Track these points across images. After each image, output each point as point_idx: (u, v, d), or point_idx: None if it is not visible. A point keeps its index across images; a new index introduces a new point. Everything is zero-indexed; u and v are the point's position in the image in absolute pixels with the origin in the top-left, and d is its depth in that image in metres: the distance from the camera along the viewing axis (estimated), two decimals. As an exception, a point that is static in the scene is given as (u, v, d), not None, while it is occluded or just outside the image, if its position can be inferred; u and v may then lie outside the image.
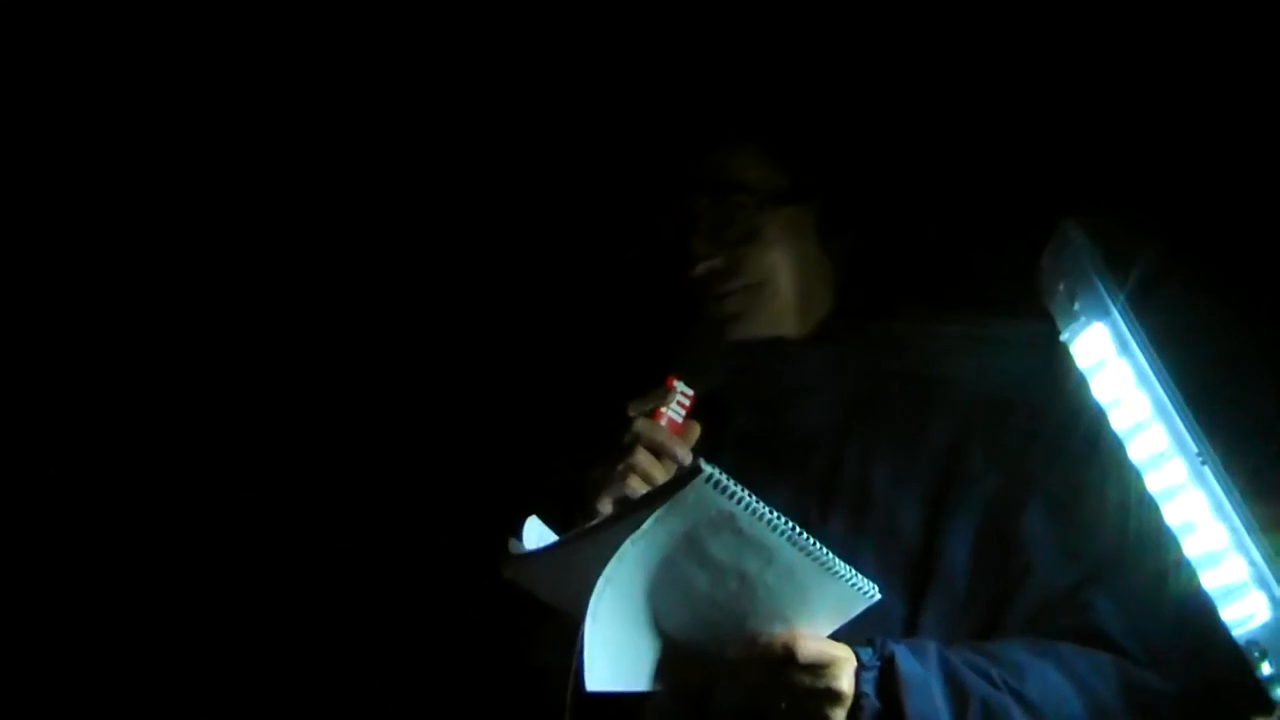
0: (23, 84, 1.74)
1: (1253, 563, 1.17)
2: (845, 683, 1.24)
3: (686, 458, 1.34)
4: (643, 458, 1.34)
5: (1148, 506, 1.25)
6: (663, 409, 1.36)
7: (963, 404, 1.43)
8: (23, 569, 1.79)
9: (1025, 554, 1.37)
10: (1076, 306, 1.29)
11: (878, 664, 1.27)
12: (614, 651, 1.22)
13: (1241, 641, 1.19)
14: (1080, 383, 1.30)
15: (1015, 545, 1.38)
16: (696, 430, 1.38)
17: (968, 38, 1.57)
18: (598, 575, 1.18)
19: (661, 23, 1.68)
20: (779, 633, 1.23)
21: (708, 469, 1.14)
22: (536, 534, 1.29)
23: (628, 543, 1.17)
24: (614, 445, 1.35)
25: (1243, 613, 1.18)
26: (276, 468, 1.84)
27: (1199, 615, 1.23)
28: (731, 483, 1.15)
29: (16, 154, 1.76)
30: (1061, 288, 1.31)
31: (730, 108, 1.53)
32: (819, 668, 1.24)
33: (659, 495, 1.17)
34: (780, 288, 1.47)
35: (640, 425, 1.35)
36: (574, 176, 1.72)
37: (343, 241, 1.84)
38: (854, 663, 1.26)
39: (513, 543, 1.28)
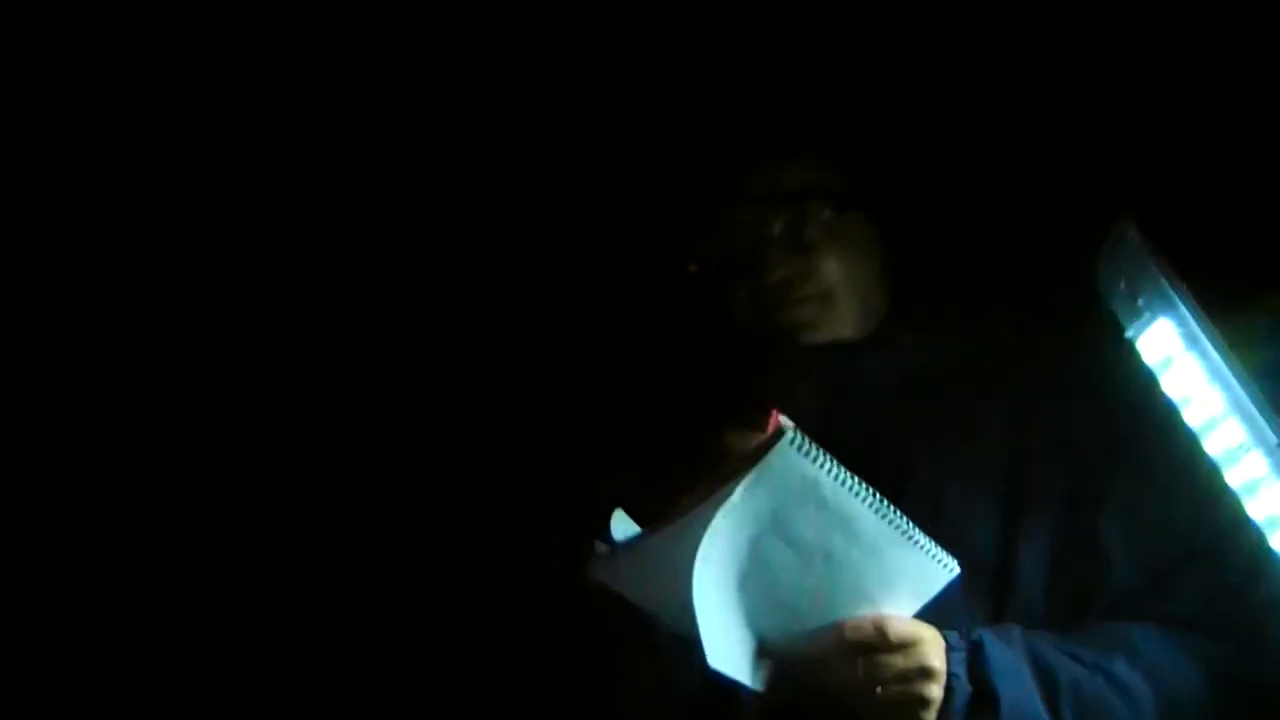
0: (22, 84, 1.72)
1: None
2: (937, 660, 1.22)
3: None
4: None
5: (1226, 496, 1.25)
6: None
7: (1026, 403, 1.41)
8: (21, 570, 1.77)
9: (1103, 551, 1.35)
10: (1140, 303, 1.28)
11: (965, 646, 1.25)
12: (725, 632, 1.21)
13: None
14: (1149, 379, 1.30)
15: (1093, 544, 1.36)
16: None
17: (1018, 39, 1.55)
18: (692, 559, 1.16)
19: (721, 30, 1.66)
20: (866, 615, 1.22)
21: (791, 431, 1.14)
22: (623, 530, 1.27)
23: (719, 515, 1.16)
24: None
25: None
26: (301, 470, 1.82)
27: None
28: (814, 446, 1.15)
29: (16, 154, 1.74)
30: (1123, 285, 1.30)
31: (791, 114, 1.52)
32: (910, 647, 1.22)
33: (745, 463, 1.16)
34: (848, 294, 1.45)
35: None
36: (632, 186, 1.69)
37: (374, 247, 1.82)
38: (942, 642, 1.24)
39: (598, 544, 1.27)
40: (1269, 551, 1.22)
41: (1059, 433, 1.39)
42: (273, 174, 1.79)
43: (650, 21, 1.67)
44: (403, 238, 1.81)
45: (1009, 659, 1.26)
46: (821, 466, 1.16)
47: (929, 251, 1.53)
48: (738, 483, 1.16)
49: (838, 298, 1.44)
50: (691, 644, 1.20)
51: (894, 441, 1.42)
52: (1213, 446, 1.25)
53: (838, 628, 1.22)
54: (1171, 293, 1.25)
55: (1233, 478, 1.24)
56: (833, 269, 1.44)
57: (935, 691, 1.23)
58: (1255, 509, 1.22)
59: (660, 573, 1.20)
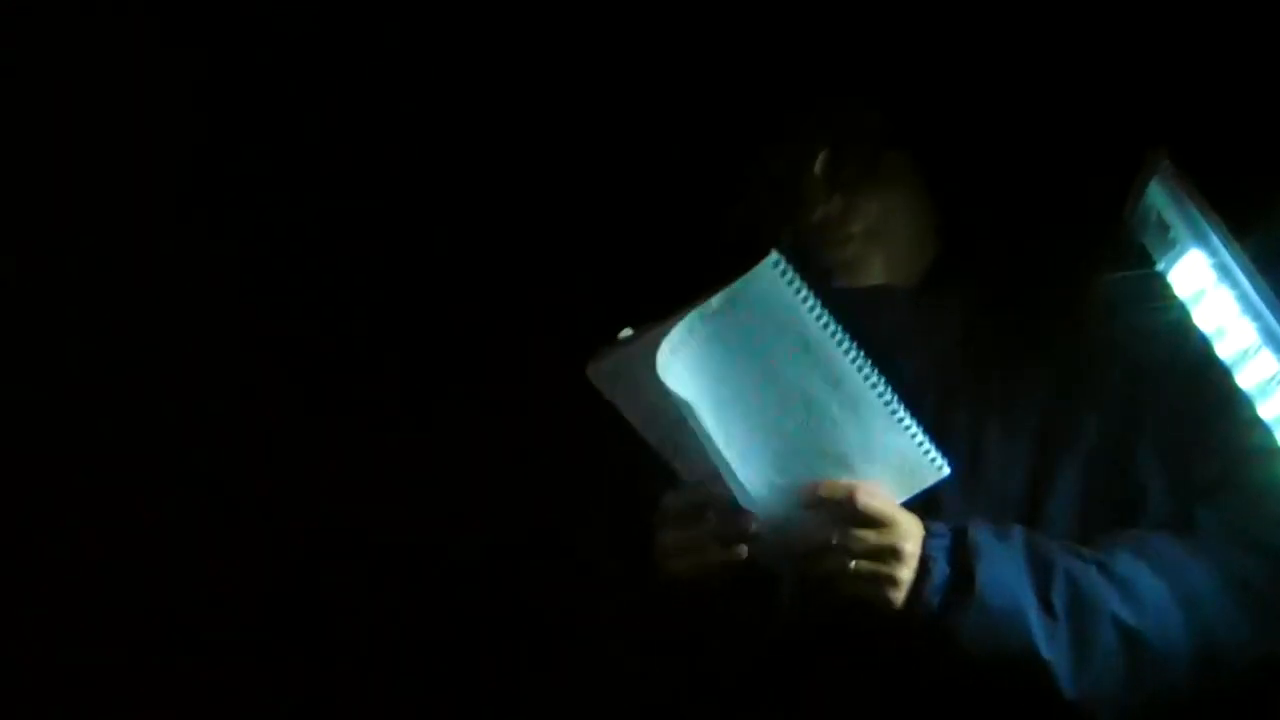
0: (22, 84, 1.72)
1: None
2: (910, 544, 1.22)
3: None
4: None
5: (1260, 426, 1.24)
6: None
7: (1066, 346, 1.40)
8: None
9: (1139, 489, 1.35)
10: (1172, 235, 1.27)
11: (948, 533, 1.25)
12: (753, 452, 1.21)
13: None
14: (1181, 312, 1.29)
15: (1128, 482, 1.36)
16: None
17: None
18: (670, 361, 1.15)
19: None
20: (842, 480, 1.22)
21: (776, 255, 1.15)
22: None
23: (697, 319, 1.15)
24: None
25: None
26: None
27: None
28: (798, 278, 1.16)
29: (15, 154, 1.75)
30: (1155, 217, 1.28)
31: (833, 55, 1.49)
32: (881, 524, 1.22)
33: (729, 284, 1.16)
34: (894, 233, 1.44)
35: None
36: (672, 128, 1.68)
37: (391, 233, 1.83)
38: (921, 528, 1.24)
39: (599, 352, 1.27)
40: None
41: (1097, 373, 1.39)
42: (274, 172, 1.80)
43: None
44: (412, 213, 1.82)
45: (995, 545, 1.25)
46: (804, 301, 1.16)
47: (973, 202, 1.51)
48: (719, 294, 1.16)
49: (878, 239, 1.43)
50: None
51: (937, 384, 1.42)
52: (1245, 379, 1.24)
53: (814, 484, 1.22)
54: (1203, 223, 1.23)
55: (1266, 410, 1.23)
56: (873, 209, 1.43)
57: (903, 573, 1.22)
58: (1287, 439, 1.21)
59: (646, 381, 1.17)
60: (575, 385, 1.27)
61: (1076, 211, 1.49)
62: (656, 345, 1.15)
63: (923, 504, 1.32)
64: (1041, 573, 1.26)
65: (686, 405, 1.17)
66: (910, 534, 1.23)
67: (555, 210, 1.78)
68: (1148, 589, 1.28)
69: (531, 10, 1.70)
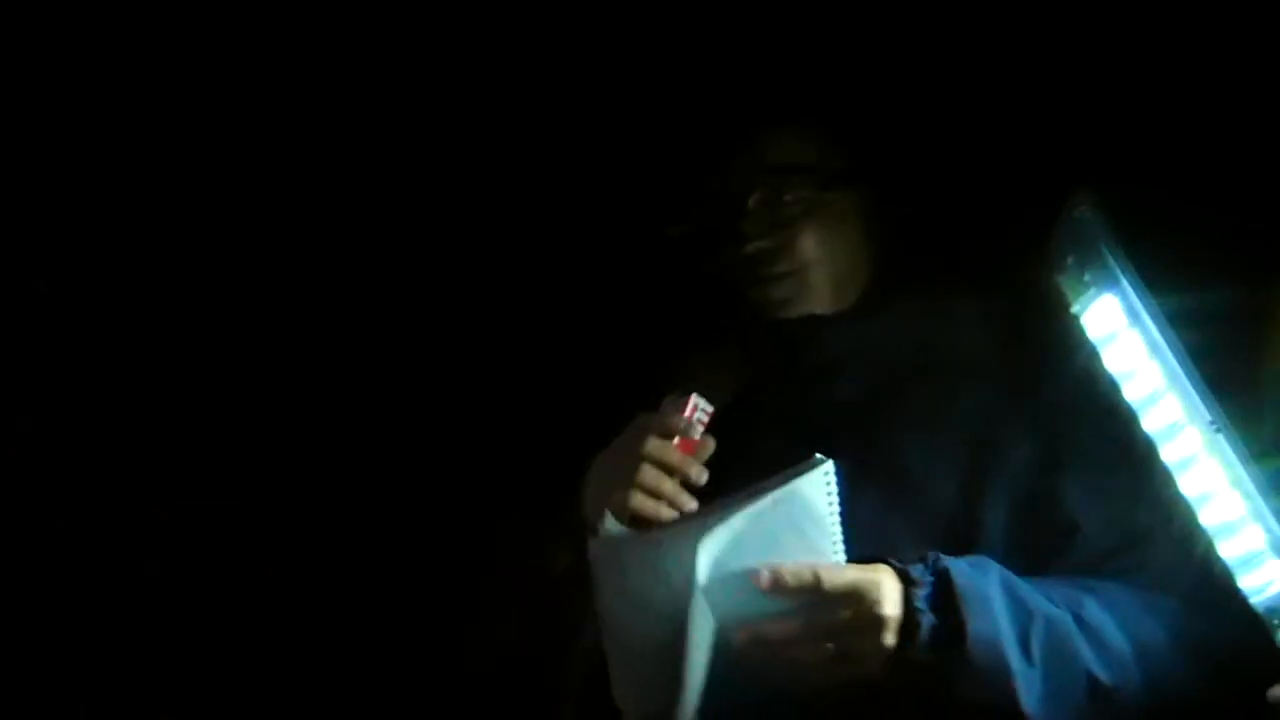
0: (21, 84, 1.74)
1: (1269, 530, 1.17)
2: (888, 607, 1.21)
3: (700, 477, 1.34)
4: (649, 475, 1.33)
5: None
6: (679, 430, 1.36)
7: (994, 373, 1.42)
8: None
9: (1069, 516, 1.36)
10: (1087, 278, 1.29)
11: (931, 579, 1.24)
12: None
13: (1260, 609, 1.19)
14: (1093, 355, 1.31)
15: (1056, 508, 1.37)
16: (710, 447, 1.37)
17: (994, 27, 1.56)
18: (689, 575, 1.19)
19: (718, 3, 1.67)
20: (801, 569, 1.22)
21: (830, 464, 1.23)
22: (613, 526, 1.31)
23: (741, 519, 1.21)
24: (621, 464, 1.35)
25: (1260, 581, 1.18)
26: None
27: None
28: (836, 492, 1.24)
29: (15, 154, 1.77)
30: (1071, 260, 1.31)
31: (785, 88, 1.52)
32: (854, 597, 1.22)
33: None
34: (828, 267, 1.47)
35: (650, 448, 1.35)
36: (621, 154, 1.71)
37: (345, 237, 1.84)
38: (894, 584, 1.23)
39: (608, 519, 1.29)
40: (1199, 527, 1.23)
41: (1027, 401, 1.40)
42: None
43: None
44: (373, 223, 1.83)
45: (978, 588, 1.25)
46: (830, 509, 1.25)
47: (911, 233, 1.54)
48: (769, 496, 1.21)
49: (812, 276, 1.46)
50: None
51: (860, 409, 1.43)
52: (1152, 423, 1.26)
53: (775, 572, 1.22)
54: (1116, 269, 1.26)
55: (1169, 454, 1.25)
56: (809, 247, 1.45)
57: (889, 639, 1.22)
58: (1187, 485, 1.23)
59: (665, 570, 1.22)
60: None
61: (1008, 248, 1.52)
62: (695, 538, 1.20)
63: (850, 522, 1.33)
64: (1022, 616, 1.26)
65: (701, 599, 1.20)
66: (884, 596, 1.22)
67: (491, 236, 1.80)
68: (1114, 641, 1.29)
69: (476, 34, 1.73)
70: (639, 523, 1.31)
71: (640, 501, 1.32)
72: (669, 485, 1.33)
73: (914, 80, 1.61)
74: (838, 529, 1.25)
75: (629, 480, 1.33)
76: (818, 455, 1.26)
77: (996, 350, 1.44)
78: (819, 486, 1.24)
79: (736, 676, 1.24)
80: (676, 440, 1.35)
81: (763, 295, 1.45)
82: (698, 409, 1.36)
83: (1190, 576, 1.29)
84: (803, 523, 1.24)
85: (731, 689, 1.24)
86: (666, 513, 1.32)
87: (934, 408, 1.42)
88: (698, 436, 1.36)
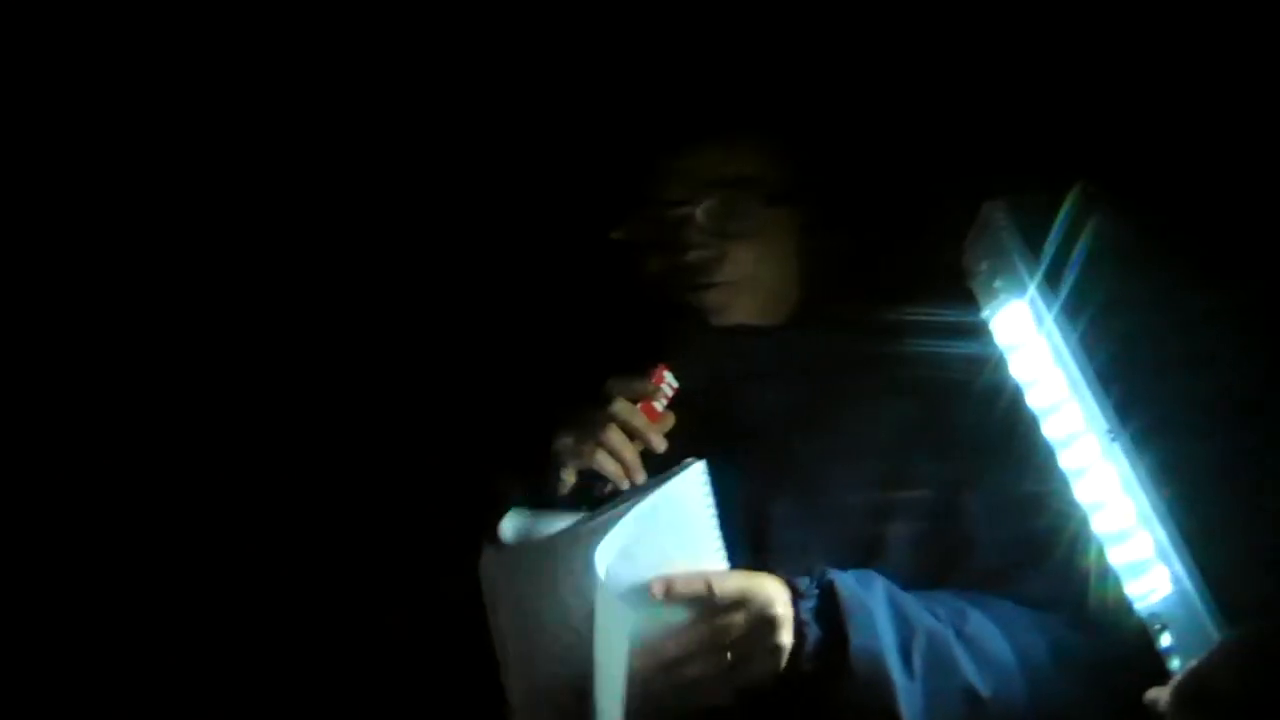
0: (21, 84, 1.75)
1: (1156, 538, 1.18)
2: (780, 608, 1.24)
3: (660, 445, 1.37)
4: (615, 436, 1.36)
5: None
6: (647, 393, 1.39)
7: (911, 393, 1.44)
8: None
9: (967, 533, 1.39)
10: (997, 285, 1.31)
11: (816, 591, 1.27)
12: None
13: (1144, 615, 1.20)
14: (1001, 361, 1.33)
15: (957, 524, 1.40)
16: (671, 421, 1.40)
17: (931, 48, 1.59)
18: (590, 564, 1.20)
19: (672, 13, 1.69)
20: (691, 578, 1.24)
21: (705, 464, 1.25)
22: (516, 524, 1.32)
23: (631, 521, 1.22)
24: (588, 419, 1.38)
25: (1146, 587, 1.20)
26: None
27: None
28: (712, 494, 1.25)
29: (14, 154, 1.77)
30: (984, 267, 1.33)
31: (735, 101, 1.55)
32: (744, 601, 1.24)
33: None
34: (764, 279, 1.49)
35: (618, 407, 1.37)
36: (571, 159, 1.72)
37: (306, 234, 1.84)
38: (783, 590, 1.26)
39: (505, 522, 1.31)
40: (1091, 535, 1.24)
41: (945, 419, 1.43)
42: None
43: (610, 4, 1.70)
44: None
45: (861, 601, 1.28)
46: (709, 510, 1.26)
47: (848, 250, 1.55)
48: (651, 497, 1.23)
49: (748, 287, 1.48)
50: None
51: (780, 423, 1.45)
52: (1053, 430, 1.28)
53: (665, 580, 1.24)
54: (1025, 276, 1.27)
55: (1067, 460, 1.26)
56: (748, 260, 1.47)
57: (785, 638, 1.25)
58: (1082, 492, 1.24)
59: (562, 574, 1.23)
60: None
61: (933, 264, 1.53)
62: (589, 542, 1.21)
63: (757, 529, 1.35)
64: (904, 629, 1.29)
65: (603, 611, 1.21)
66: (776, 600, 1.25)
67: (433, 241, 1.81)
68: (996, 654, 1.32)
69: (423, 39, 1.74)
70: (585, 486, 1.33)
71: (602, 460, 1.33)
72: (630, 454, 1.35)
73: (861, 100, 1.63)
74: (716, 530, 1.27)
75: (591, 436, 1.34)
76: (690, 458, 1.28)
77: (914, 371, 1.45)
78: (694, 488, 1.26)
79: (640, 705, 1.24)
80: (640, 405, 1.37)
81: (698, 301, 1.47)
82: (665, 380, 1.38)
83: (1078, 594, 1.32)
84: (683, 526, 1.26)
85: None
86: (623, 480, 1.34)
87: (852, 424, 1.45)
88: (661, 408, 1.38)
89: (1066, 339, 1.24)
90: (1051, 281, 1.27)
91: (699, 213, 1.47)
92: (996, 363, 1.34)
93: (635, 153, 1.53)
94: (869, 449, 1.43)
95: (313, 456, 1.84)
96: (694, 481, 1.27)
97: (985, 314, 1.33)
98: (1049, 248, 1.30)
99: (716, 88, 1.56)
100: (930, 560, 1.41)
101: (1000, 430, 1.39)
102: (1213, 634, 1.14)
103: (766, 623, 1.25)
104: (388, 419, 1.84)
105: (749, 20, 1.65)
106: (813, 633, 1.26)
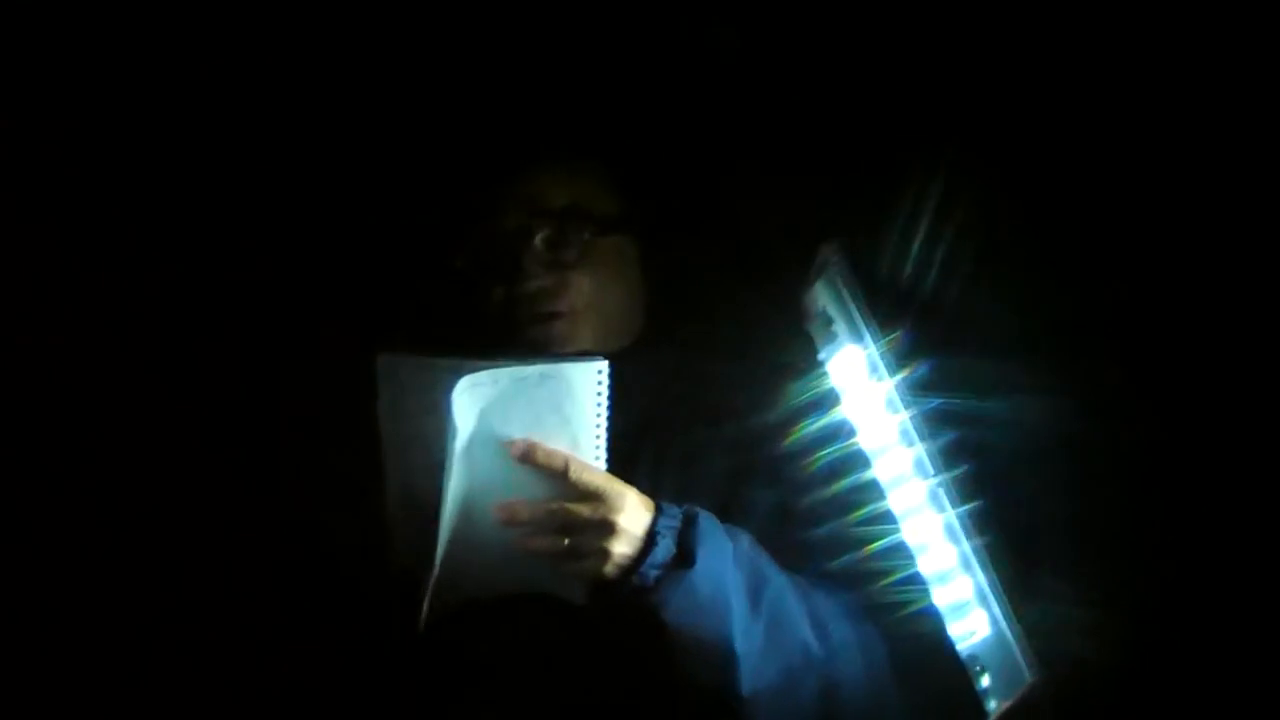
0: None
1: (976, 582, 1.23)
2: (622, 518, 1.27)
3: None
4: None
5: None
6: None
7: (742, 427, 1.45)
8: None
9: (794, 564, 1.41)
10: (834, 328, 1.34)
11: (680, 513, 1.30)
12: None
13: (964, 656, 1.25)
14: (833, 403, 1.36)
15: (785, 556, 1.42)
16: None
17: (767, 77, 1.61)
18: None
19: (507, 42, 1.67)
20: (555, 453, 1.28)
21: (604, 364, 1.29)
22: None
23: (506, 375, 1.26)
24: None
25: (967, 629, 1.24)
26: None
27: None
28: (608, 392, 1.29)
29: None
30: (822, 309, 1.35)
31: (569, 131, 1.55)
32: (597, 496, 1.27)
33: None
34: (602, 309, 1.49)
35: None
36: (408, 184, 1.70)
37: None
38: (640, 505, 1.29)
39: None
40: (914, 574, 1.28)
41: (768, 457, 1.44)
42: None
43: (445, 30, 1.68)
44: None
45: (719, 535, 1.31)
46: (598, 408, 1.29)
47: (684, 280, 1.57)
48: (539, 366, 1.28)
49: (585, 317, 1.47)
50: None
51: (616, 453, 1.45)
52: (881, 472, 1.31)
53: (529, 443, 1.27)
54: (860, 321, 1.31)
55: (895, 501, 1.30)
56: (585, 289, 1.47)
57: (619, 547, 1.27)
58: (908, 534, 1.28)
59: (430, 398, 1.25)
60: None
61: (769, 300, 1.56)
62: (459, 374, 1.24)
63: None
64: (756, 575, 1.31)
65: (453, 435, 1.24)
66: (624, 507, 1.28)
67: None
68: (836, 627, 1.34)
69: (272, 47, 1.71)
70: None
71: None
72: None
73: (692, 129, 1.64)
74: (602, 432, 1.29)
75: None
76: (595, 355, 1.31)
77: (746, 404, 1.47)
78: (588, 379, 1.29)
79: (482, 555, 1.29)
80: None
81: (537, 333, 1.47)
82: None
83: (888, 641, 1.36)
84: (566, 407, 1.28)
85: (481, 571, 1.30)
86: None
87: (685, 456, 1.45)
88: None
89: (898, 386, 1.28)
90: (885, 323, 1.31)
91: (538, 240, 1.47)
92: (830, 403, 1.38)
93: (472, 180, 1.53)
94: (702, 485, 1.43)
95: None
96: (590, 373, 1.29)
97: (821, 355, 1.36)
98: (883, 292, 1.34)
99: (546, 117, 1.57)
100: None
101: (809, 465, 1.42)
102: (1026, 676, 1.19)
103: (606, 525, 1.27)
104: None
105: (585, 48, 1.65)
106: (663, 546, 1.28)
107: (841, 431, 1.36)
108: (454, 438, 1.24)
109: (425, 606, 1.29)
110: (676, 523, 1.30)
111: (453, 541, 1.27)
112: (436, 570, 1.27)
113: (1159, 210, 1.36)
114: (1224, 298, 1.33)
